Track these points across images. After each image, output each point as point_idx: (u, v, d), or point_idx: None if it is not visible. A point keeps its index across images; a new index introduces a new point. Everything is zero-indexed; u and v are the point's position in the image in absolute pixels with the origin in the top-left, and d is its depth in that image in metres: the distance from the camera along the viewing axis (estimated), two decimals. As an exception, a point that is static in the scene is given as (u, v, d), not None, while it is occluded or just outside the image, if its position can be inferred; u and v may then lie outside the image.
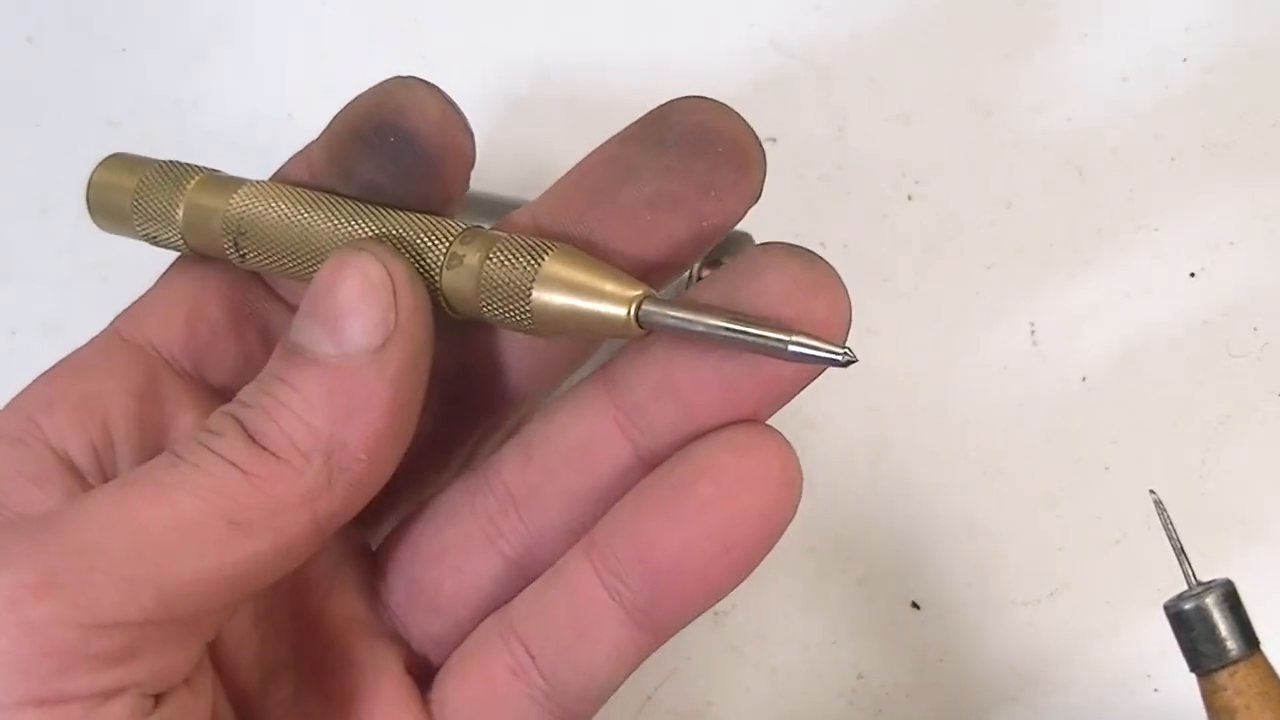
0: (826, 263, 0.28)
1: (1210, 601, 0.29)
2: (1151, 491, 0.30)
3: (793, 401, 0.41)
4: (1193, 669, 0.30)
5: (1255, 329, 0.42)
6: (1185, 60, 0.43)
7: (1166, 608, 0.30)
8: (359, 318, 0.29)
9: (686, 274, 0.34)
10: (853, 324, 0.42)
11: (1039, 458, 0.41)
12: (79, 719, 0.26)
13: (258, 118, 0.44)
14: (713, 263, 0.35)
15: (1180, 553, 0.30)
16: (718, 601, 0.28)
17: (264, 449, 0.29)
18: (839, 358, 0.26)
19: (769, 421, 0.29)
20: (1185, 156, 0.43)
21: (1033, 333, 0.42)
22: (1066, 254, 0.42)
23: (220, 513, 0.28)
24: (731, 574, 0.29)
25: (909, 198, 0.43)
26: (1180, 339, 0.42)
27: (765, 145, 0.43)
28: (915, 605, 0.40)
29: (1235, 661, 0.29)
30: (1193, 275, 0.42)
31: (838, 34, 0.44)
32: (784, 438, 0.28)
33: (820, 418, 0.41)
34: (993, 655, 0.40)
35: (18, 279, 0.44)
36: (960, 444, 0.41)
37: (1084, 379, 0.41)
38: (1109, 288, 0.42)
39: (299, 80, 0.44)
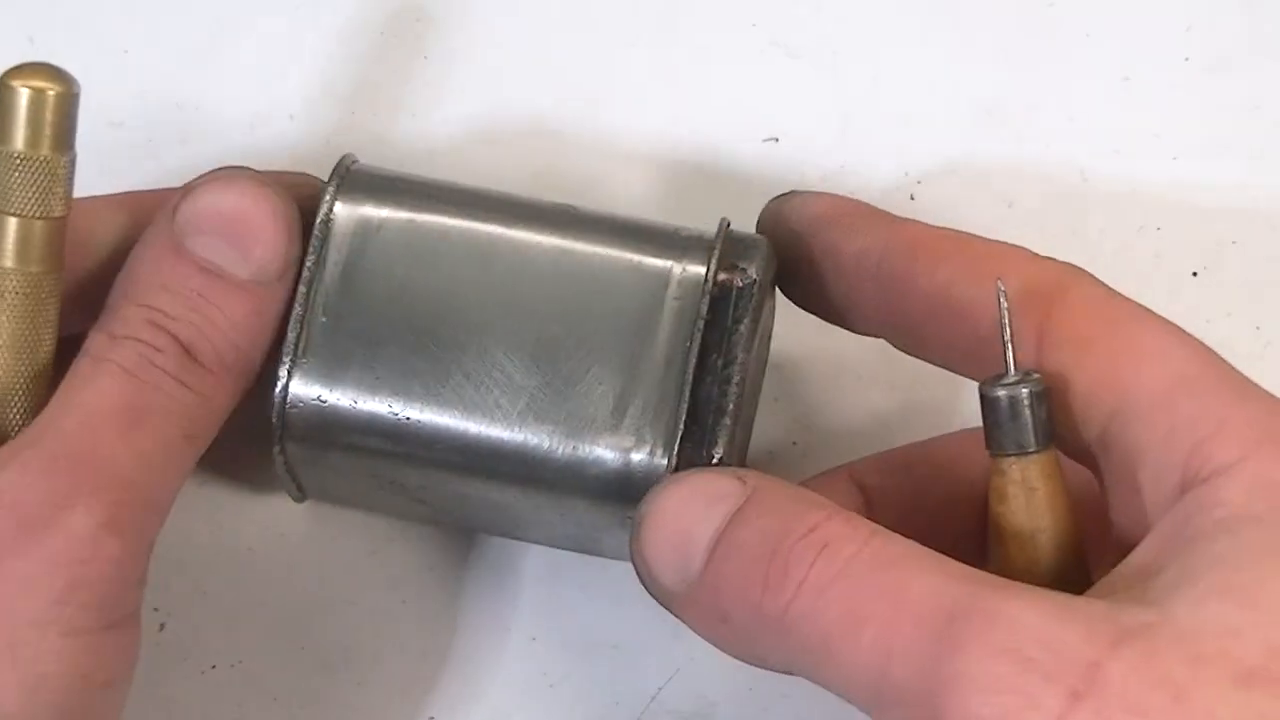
0: None
1: (1024, 393, 0.30)
2: (999, 282, 0.31)
3: (793, 401, 0.41)
4: (989, 450, 0.31)
5: (1258, 328, 0.42)
6: (1187, 59, 0.43)
7: (981, 389, 0.31)
8: (272, 247, 0.33)
9: (704, 276, 0.34)
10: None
11: (1042, 457, 0.41)
12: (134, 634, 0.32)
13: (259, 119, 0.44)
14: (730, 267, 0.34)
15: (1007, 342, 0.30)
16: None
17: (200, 365, 0.32)
18: None
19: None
20: (1187, 156, 0.43)
21: (1035, 332, 0.42)
22: (1068, 253, 0.42)
23: (182, 431, 0.32)
24: None
25: (911, 198, 0.43)
26: (1182, 338, 0.42)
27: (767, 145, 0.44)
28: (918, 605, 0.40)
29: (1027, 454, 0.30)
30: (1195, 274, 0.42)
31: (839, 34, 0.44)
32: None
33: (821, 417, 0.41)
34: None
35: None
36: (963, 444, 0.41)
37: (1086, 378, 0.41)
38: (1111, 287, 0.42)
39: (301, 82, 0.44)
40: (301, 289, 0.34)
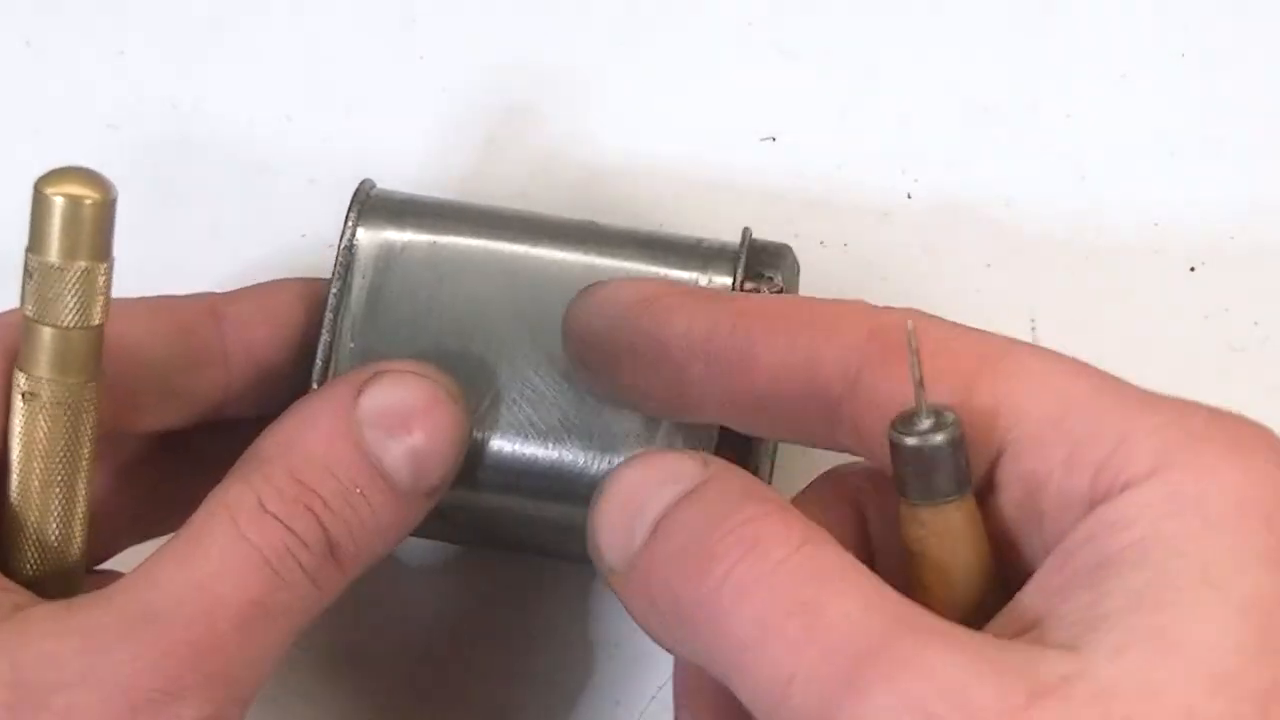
0: None
1: (941, 440, 0.27)
2: (909, 321, 0.28)
3: (794, 400, 0.41)
4: (900, 495, 0.28)
5: (1256, 323, 0.42)
6: (1184, 56, 0.43)
7: (893, 436, 0.27)
8: (446, 470, 0.32)
9: (730, 286, 0.34)
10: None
11: (1040, 454, 0.41)
12: None
13: (256, 120, 0.44)
14: (755, 275, 0.34)
15: (919, 384, 0.27)
16: None
17: (337, 565, 0.31)
18: None
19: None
20: (1184, 152, 0.43)
21: (1033, 329, 0.42)
22: (1066, 250, 0.42)
23: (295, 629, 0.31)
24: None
25: (908, 196, 0.43)
26: (1181, 334, 0.42)
27: (765, 144, 0.44)
28: (918, 603, 0.40)
29: (943, 501, 0.27)
30: (1193, 270, 0.42)
31: (836, 32, 0.44)
32: None
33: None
34: (996, 652, 0.40)
35: (18, 282, 0.44)
36: (961, 441, 0.41)
37: (1085, 375, 0.41)
38: (1109, 283, 0.42)
39: (297, 82, 0.44)
40: (328, 315, 0.34)
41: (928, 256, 0.43)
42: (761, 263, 0.35)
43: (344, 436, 0.31)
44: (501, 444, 0.34)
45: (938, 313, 0.42)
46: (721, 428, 0.33)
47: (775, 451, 0.37)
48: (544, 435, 0.34)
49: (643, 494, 0.28)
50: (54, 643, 0.28)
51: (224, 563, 0.30)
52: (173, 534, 0.30)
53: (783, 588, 0.26)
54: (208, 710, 0.29)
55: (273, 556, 0.30)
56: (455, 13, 0.45)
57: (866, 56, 0.44)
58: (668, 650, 0.29)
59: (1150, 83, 0.43)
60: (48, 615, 0.29)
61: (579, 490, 0.34)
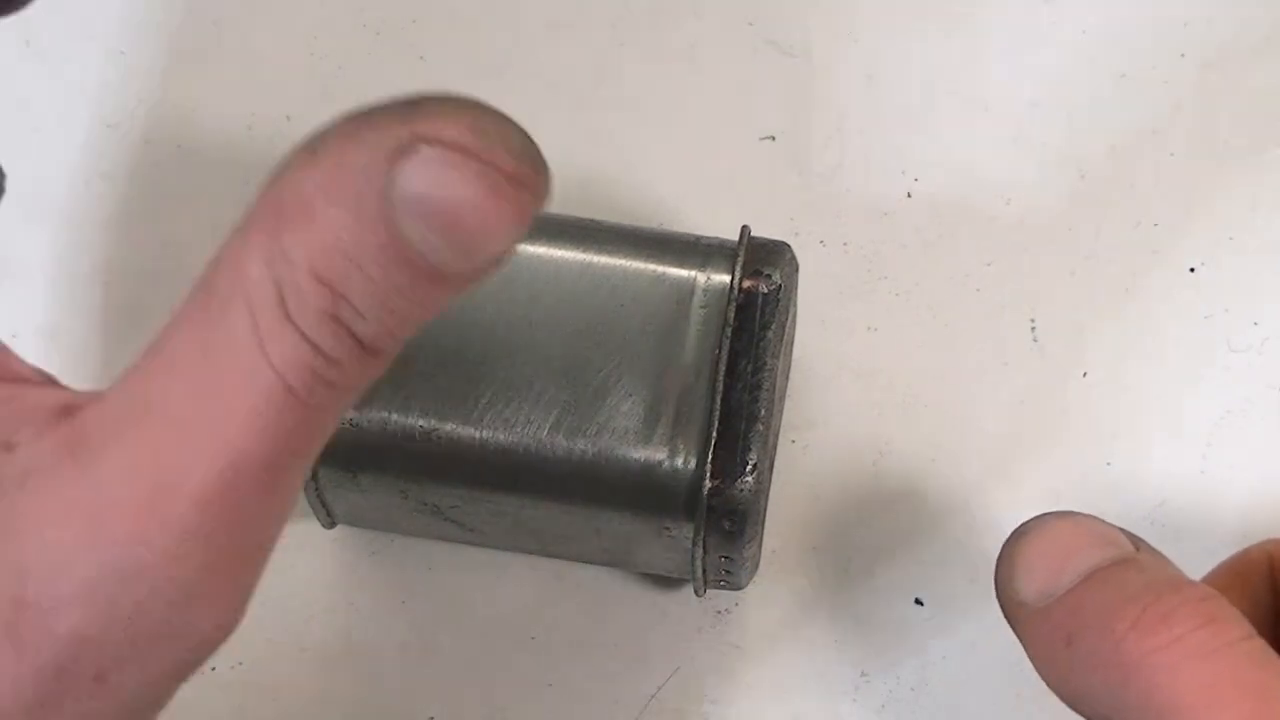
0: None
1: None
2: None
3: (793, 400, 0.41)
4: None
5: (1255, 323, 0.42)
6: (1183, 56, 0.43)
7: None
8: (502, 244, 0.25)
9: (729, 283, 0.34)
10: (853, 322, 0.42)
11: (1040, 453, 0.41)
12: None
13: (256, 120, 0.44)
14: (754, 273, 0.34)
15: None
16: None
17: (373, 358, 0.25)
18: None
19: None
20: (1184, 152, 0.43)
21: (1033, 329, 0.42)
22: (1066, 250, 0.42)
23: (313, 452, 0.25)
24: None
25: (908, 195, 0.43)
26: (1180, 334, 0.42)
27: (764, 143, 0.44)
28: (919, 602, 0.40)
29: None
30: (1192, 270, 0.42)
31: (836, 31, 0.44)
32: None
33: (821, 416, 0.41)
34: (996, 652, 0.40)
35: (17, 283, 0.44)
36: (961, 441, 0.41)
37: (1085, 374, 0.42)
38: (1109, 283, 0.42)
39: (298, 83, 0.44)
40: None
41: (928, 256, 0.43)
42: (760, 260, 0.35)
43: (378, 229, 0.24)
44: (499, 442, 0.34)
45: (938, 310, 0.42)
46: (720, 425, 0.33)
47: (775, 451, 0.37)
48: (542, 434, 0.34)
49: (1076, 544, 0.29)
50: (56, 533, 0.23)
51: (235, 402, 0.24)
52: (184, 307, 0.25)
53: (1240, 666, 0.26)
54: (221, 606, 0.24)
55: (299, 387, 0.24)
56: (454, 14, 0.45)
57: (866, 56, 0.44)
58: (1058, 689, 0.29)
59: (1150, 82, 0.43)
60: (52, 482, 0.24)
61: (578, 488, 0.34)
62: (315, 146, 0.25)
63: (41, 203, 0.44)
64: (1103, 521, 0.30)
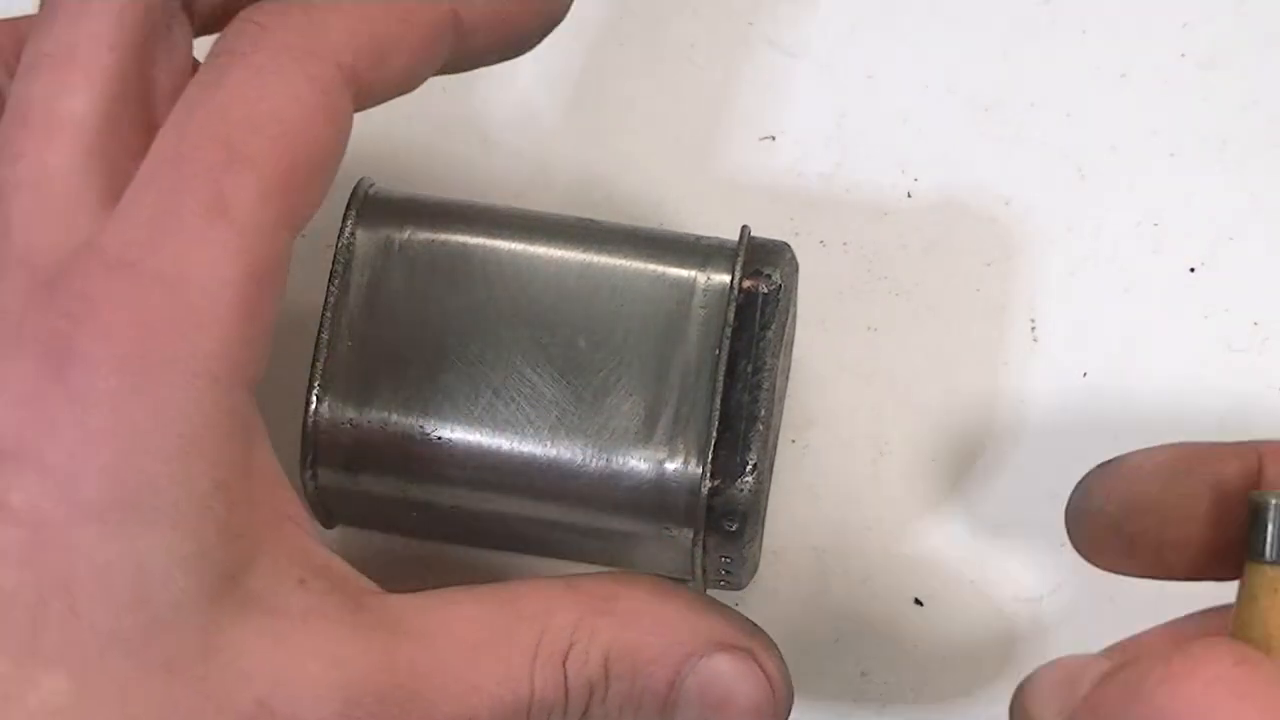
0: None
1: None
2: None
3: (793, 400, 0.41)
4: (1251, 557, 0.29)
5: (1256, 323, 0.42)
6: (1183, 55, 0.43)
7: (1253, 499, 0.29)
8: None
9: (729, 283, 0.34)
10: (853, 322, 0.42)
11: (1040, 454, 0.41)
12: None
13: (256, 120, 0.44)
14: (754, 273, 0.34)
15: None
16: None
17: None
18: None
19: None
20: (1184, 152, 0.43)
21: (1033, 328, 0.42)
22: (1066, 250, 0.42)
23: None
24: None
25: (908, 195, 0.43)
26: (1180, 334, 0.42)
27: (764, 143, 0.43)
28: (918, 602, 0.40)
29: None
30: (1192, 270, 0.42)
31: (836, 31, 0.44)
32: None
33: (821, 416, 0.41)
34: (996, 652, 0.40)
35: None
36: (961, 441, 0.41)
37: (1085, 374, 0.42)
38: (1109, 283, 0.42)
39: (297, 82, 0.44)
40: (326, 314, 0.34)
41: (928, 256, 0.42)
42: (760, 260, 0.35)
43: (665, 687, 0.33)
44: (499, 443, 0.34)
45: (937, 310, 0.42)
46: (720, 425, 0.33)
47: (775, 451, 0.37)
48: (542, 434, 0.34)
49: (1084, 663, 0.29)
50: (320, 669, 0.28)
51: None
52: None
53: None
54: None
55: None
56: (455, 12, 0.45)
57: (866, 56, 0.44)
58: None
59: (1150, 83, 0.43)
60: (332, 630, 0.29)
61: (578, 489, 0.34)
62: None
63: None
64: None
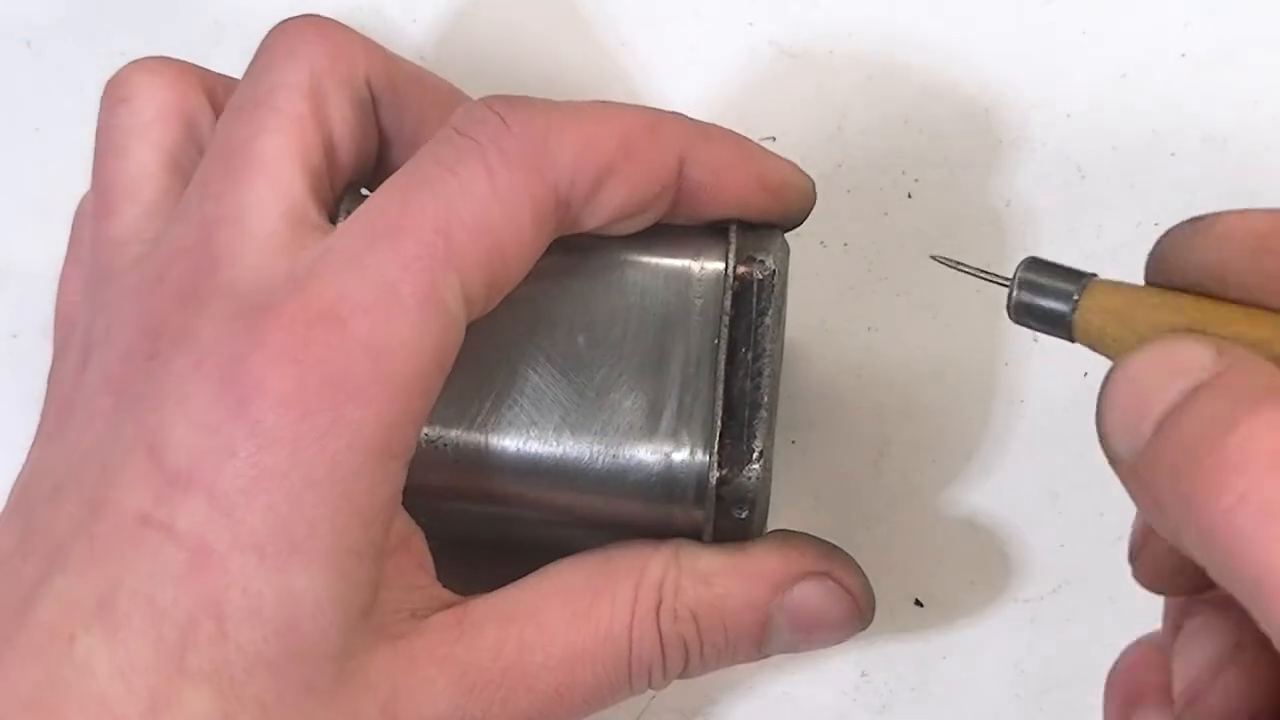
0: None
1: (1027, 276, 0.30)
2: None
3: (793, 400, 0.41)
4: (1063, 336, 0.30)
5: (1256, 324, 0.42)
6: (1184, 56, 0.43)
7: (1016, 304, 0.30)
8: None
9: (724, 271, 0.34)
10: (853, 322, 0.42)
11: (1040, 454, 0.41)
12: None
13: (256, 120, 0.44)
14: (748, 260, 0.35)
15: (981, 274, 0.31)
16: None
17: None
18: None
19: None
20: (1184, 152, 0.43)
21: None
22: (1066, 250, 0.42)
23: None
24: None
25: (909, 195, 0.43)
26: (1181, 334, 0.42)
27: (764, 144, 0.43)
28: (918, 603, 0.40)
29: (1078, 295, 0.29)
30: (1193, 270, 0.42)
31: (836, 32, 0.44)
32: None
33: (821, 416, 0.41)
34: (996, 652, 0.40)
35: (18, 282, 0.44)
36: (961, 441, 0.41)
37: (1085, 374, 0.41)
38: (1109, 284, 0.42)
39: (297, 82, 0.44)
40: None
41: (928, 256, 0.42)
42: (752, 246, 0.35)
43: (759, 610, 0.35)
44: (504, 444, 0.34)
45: (938, 311, 0.42)
46: (724, 414, 0.33)
47: (773, 437, 0.37)
48: (546, 434, 0.34)
49: (1150, 384, 0.25)
50: (437, 674, 0.31)
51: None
52: None
53: None
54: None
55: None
56: (456, 12, 0.45)
57: (866, 56, 0.44)
58: (1174, 545, 0.25)
59: (1150, 82, 0.43)
60: (443, 636, 0.32)
61: (586, 486, 0.34)
62: None
63: (42, 203, 0.44)
64: (1184, 339, 0.27)
